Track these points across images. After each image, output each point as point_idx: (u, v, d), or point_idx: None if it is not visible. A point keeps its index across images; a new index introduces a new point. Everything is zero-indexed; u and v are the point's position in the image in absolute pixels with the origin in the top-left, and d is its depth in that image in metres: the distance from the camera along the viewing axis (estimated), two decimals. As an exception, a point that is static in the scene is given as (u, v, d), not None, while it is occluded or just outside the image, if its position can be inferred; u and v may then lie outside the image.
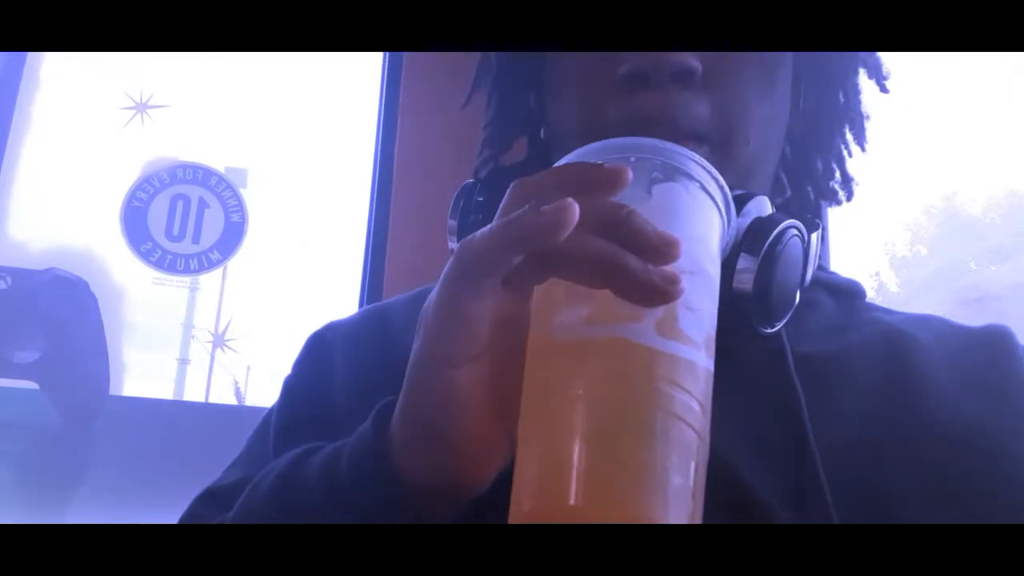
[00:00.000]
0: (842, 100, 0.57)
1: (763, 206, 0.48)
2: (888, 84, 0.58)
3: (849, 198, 0.59)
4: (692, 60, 0.47)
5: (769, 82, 0.51)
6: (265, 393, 1.60)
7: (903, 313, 0.56)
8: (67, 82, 1.67)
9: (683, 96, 0.48)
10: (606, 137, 0.45)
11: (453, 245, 0.55)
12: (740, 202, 0.46)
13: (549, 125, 0.57)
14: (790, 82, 0.54)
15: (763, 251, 0.46)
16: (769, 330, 0.48)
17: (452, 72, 1.56)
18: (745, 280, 0.45)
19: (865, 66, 0.57)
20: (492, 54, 0.59)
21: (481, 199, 0.54)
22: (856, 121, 0.58)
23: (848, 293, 0.56)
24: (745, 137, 0.50)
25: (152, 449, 1.50)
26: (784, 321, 0.48)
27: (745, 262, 0.45)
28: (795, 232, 0.48)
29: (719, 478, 0.41)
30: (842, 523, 0.41)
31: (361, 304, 1.50)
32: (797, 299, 0.50)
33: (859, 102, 0.58)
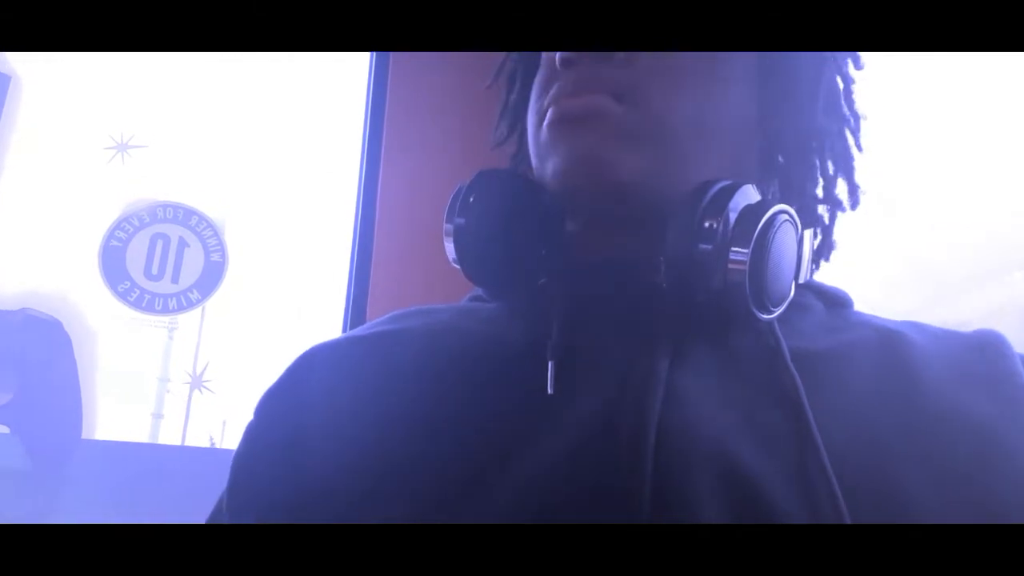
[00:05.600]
0: (821, 102, 0.58)
1: (750, 194, 0.49)
2: (864, 61, 0.58)
3: (854, 206, 0.60)
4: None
5: (706, 64, 0.53)
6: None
7: (892, 320, 0.56)
8: (46, 120, 1.66)
9: (602, 67, 0.52)
10: (542, 111, 0.53)
11: (450, 249, 0.56)
12: (728, 191, 0.48)
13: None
14: (748, 80, 0.56)
15: (755, 235, 0.47)
16: (766, 316, 0.49)
17: (436, 105, 1.57)
18: (739, 265, 0.46)
19: (835, 62, 0.58)
20: (506, 60, 0.63)
21: (472, 201, 0.55)
22: (850, 122, 0.59)
23: (837, 300, 0.57)
24: (673, 104, 0.52)
25: (125, 494, 1.46)
26: (782, 308, 0.49)
27: (739, 246, 0.47)
28: (786, 217, 0.49)
29: (720, 466, 0.42)
30: (848, 513, 0.41)
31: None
32: (793, 288, 0.51)
33: (843, 102, 0.59)
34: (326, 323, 1.55)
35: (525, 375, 0.49)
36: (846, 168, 0.59)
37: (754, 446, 0.44)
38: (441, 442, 0.48)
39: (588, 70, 0.52)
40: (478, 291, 0.61)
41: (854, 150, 0.59)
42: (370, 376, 0.54)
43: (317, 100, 1.65)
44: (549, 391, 0.47)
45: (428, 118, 1.53)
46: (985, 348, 0.52)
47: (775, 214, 0.48)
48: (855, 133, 0.59)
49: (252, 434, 0.56)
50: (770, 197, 0.58)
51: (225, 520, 0.54)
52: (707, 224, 0.47)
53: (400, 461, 0.47)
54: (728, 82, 0.55)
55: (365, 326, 0.59)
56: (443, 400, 0.50)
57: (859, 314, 0.57)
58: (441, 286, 1.54)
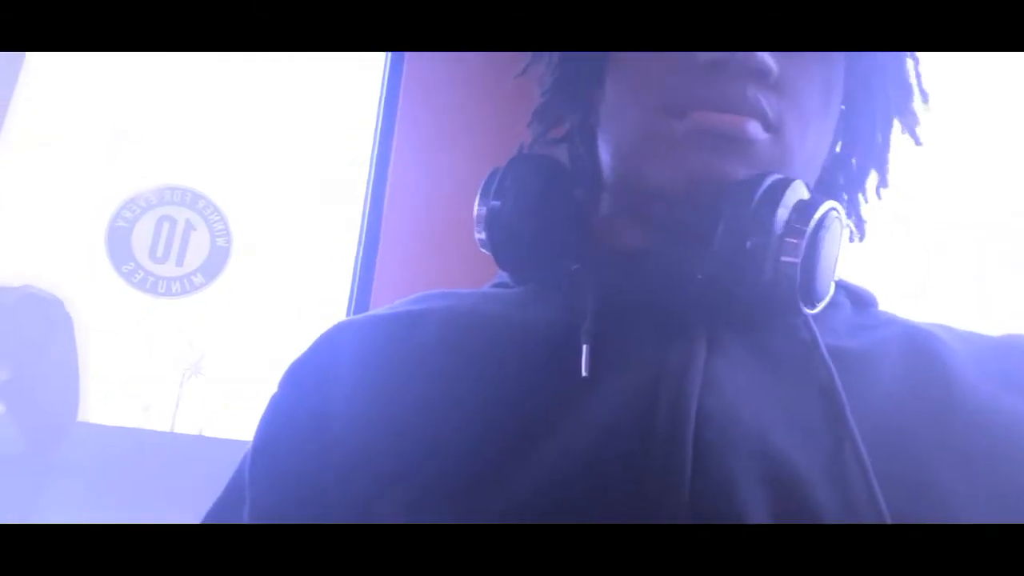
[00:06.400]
0: (879, 140, 0.58)
1: (801, 190, 0.50)
2: (921, 138, 0.58)
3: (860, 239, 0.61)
4: (770, 60, 0.49)
5: (826, 99, 0.53)
6: (239, 425, 1.54)
7: (919, 321, 0.56)
8: (57, 102, 1.64)
9: (755, 87, 0.50)
10: (675, 105, 0.50)
11: (480, 236, 0.55)
12: (781, 186, 0.49)
13: (607, 102, 0.56)
14: (839, 106, 0.56)
15: (808, 231, 0.48)
16: (811, 309, 0.49)
17: (448, 103, 1.55)
18: (792, 258, 0.47)
19: (900, 116, 0.58)
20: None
21: (508, 184, 0.55)
22: (882, 165, 0.58)
23: (864, 299, 0.57)
24: (802, 138, 0.52)
25: (117, 478, 1.43)
26: (824, 303, 0.50)
27: (792, 239, 0.47)
28: (836, 215, 0.50)
29: (758, 455, 0.43)
30: (885, 504, 0.42)
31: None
32: (833, 285, 0.51)
33: (888, 148, 0.59)
34: (328, 311, 1.52)
35: (553, 359, 0.49)
36: (880, 162, 0.58)
37: (791, 435, 0.45)
38: (467, 423, 0.48)
39: (739, 85, 0.50)
40: (501, 278, 0.60)
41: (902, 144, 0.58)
42: (394, 355, 0.53)
43: (331, 95, 1.63)
44: (584, 373, 0.47)
45: (440, 114, 1.52)
46: (1019, 351, 0.52)
47: (827, 211, 0.49)
48: (883, 176, 0.59)
49: (277, 405, 0.56)
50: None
51: (245, 484, 0.54)
52: (761, 217, 0.47)
53: (424, 441, 0.48)
54: (834, 113, 0.55)
55: (389, 306, 0.59)
56: (469, 381, 0.50)
57: (885, 313, 0.57)
58: (446, 281, 1.52)
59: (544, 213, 0.54)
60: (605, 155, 0.55)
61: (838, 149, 0.59)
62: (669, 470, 0.42)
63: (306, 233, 1.61)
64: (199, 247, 1.59)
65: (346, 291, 1.52)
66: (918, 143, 0.57)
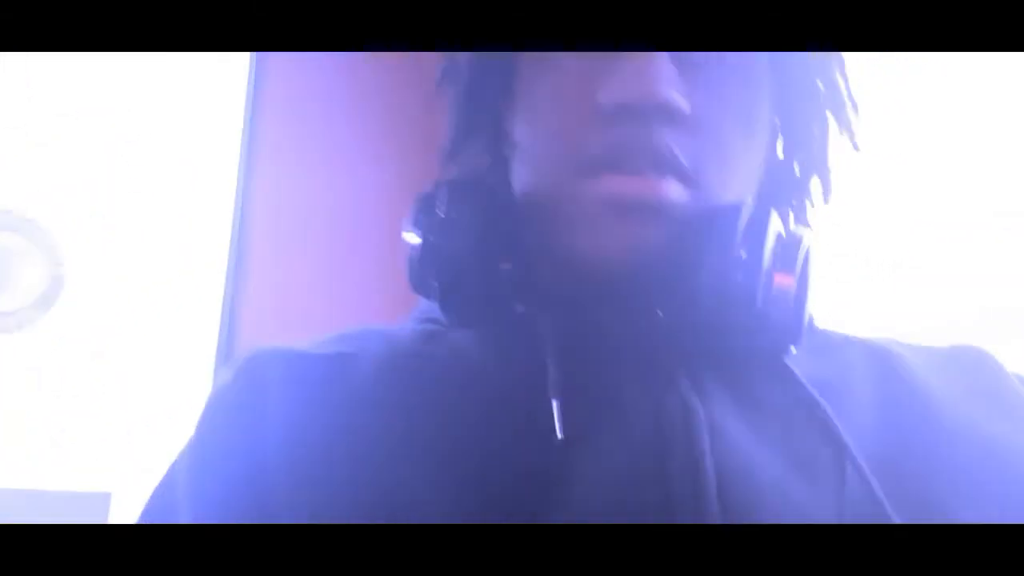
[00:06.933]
0: (816, 149, 0.57)
1: (776, 221, 0.48)
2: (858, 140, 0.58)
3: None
4: (679, 99, 0.46)
5: (748, 124, 0.50)
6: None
7: (866, 337, 0.57)
8: None
9: (666, 132, 0.46)
10: (584, 163, 0.46)
11: (414, 268, 0.50)
12: (759, 219, 0.47)
13: (516, 145, 0.52)
14: (767, 127, 0.53)
15: (799, 269, 0.46)
16: (795, 350, 0.48)
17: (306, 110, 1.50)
18: (783, 298, 0.45)
19: (834, 114, 0.57)
20: (461, 63, 0.55)
21: (442, 216, 0.49)
22: (824, 171, 0.58)
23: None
24: (725, 182, 0.49)
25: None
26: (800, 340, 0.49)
27: (782, 280, 0.45)
28: (809, 242, 0.49)
29: (778, 506, 0.41)
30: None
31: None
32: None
33: (826, 154, 0.58)
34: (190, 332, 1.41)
35: (521, 415, 0.44)
36: (822, 168, 0.58)
37: (802, 480, 0.43)
38: (440, 491, 0.42)
39: (648, 132, 0.45)
40: (426, 311, 0.54)
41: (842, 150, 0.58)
42: (336, 403, 0.47)
43: (185, 100, 1.50)
44: (559, 435, 0.42)
45: (302, 117, 1.46)
46: (980, 365, 0.53)
47: (808, 248, 0.48)
48: (827, 187, 0.59)
49: (205, 435, 0.50)
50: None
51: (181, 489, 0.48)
52: (744, 253, 0.45)
53: (394, 498, 0.43)
54: (764, 131, 0.53)
55: (313, 343, 0.52)
56: (425, 437, 0.44)
57: (833, 333, 0.57)
58: (322, 285, 1.46)
59: (485, 249, 0.49)
60: (522, 199, 0.51)
61: (780, 156, 0.57)
62: (701, 525, 0.39)
63: (157, 252, 1.47)
64: (30, 276, 1.41)
65: (215, 301, 1.42)
66: (856, 148, 0.57)
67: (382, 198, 1.49)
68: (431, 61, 0.59)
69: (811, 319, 0.56)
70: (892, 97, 1.17)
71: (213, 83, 1.50)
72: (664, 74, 0.45)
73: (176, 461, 0.51)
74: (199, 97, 1.51)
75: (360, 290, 1.48)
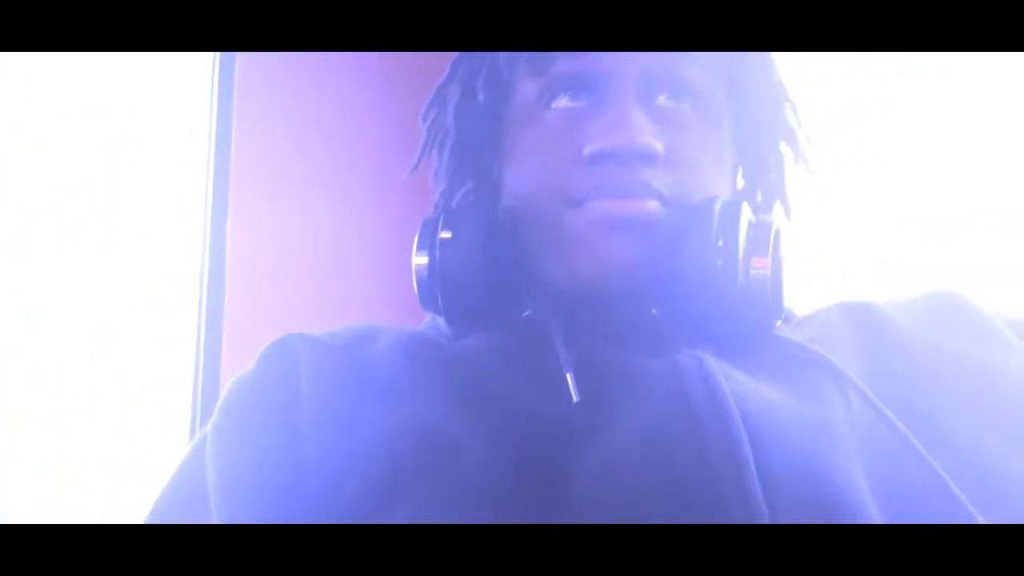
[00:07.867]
0: (773, 177, 0.62)
1: (747, 211, 0.53)
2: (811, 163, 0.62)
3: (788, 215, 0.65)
4: (655, 143, 0.51)
5: (718, 157, 0.56)
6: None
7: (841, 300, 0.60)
8: None
9: (645, 170, 0.51)
10: (571, 199, 0.52)
11: (424, 287, 0.55)
12: (731, 210, 0.51)
13: (505, 185, 0.58)
14: (731, 160, 0.59)
15: (771, 250, 0.50)
16: (780, 320, 0.52)
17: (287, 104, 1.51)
18: (761, 277, 0.50)
19: (786, 139, 0.62)
20: (449, 115, 0.61)
21: (448, 236, 0.55)
22: (783, 196, 0.63)
23: None
24: (698, 200, 0.54)
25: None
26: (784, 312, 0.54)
27: (758, 263, 0.50)
28: (778, 227, 0.53)
29: (772, 421, 0.44)
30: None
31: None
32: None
33: (783, 180, 0.63)
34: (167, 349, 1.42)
35: (539, 391, 0.48)
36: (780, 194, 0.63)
37: (812, 404, 0.46)
38: (473, 446, 0.45)
39: (628, 172, 0.51)
40: (432, 324, 0.60)
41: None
42: (366, 373, 0.51)
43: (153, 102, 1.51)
44: (575, 399, 0.46)
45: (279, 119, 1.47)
46: (956, 304, 0.57)
47: (777, 230, 0.52)
48: (787, 209, 0.63)
49: (229, 416, 0.52)
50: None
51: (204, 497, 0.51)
52: (721, 241, 0.50)
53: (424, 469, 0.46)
54: (728, 174, 0.58)
55: (326, 332, 0.56)
56: (451, 416, 0.48)
57: (813, 312, 0.60)
58: (298, 304, 1.46)
59: (491, 266, 0.54)
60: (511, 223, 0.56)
61: (740, 185, 0.63)
62: (738, 471, 0.41)
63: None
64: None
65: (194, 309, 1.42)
66: (810, 172, 0.61)
67: (372, 201, 1.50)
68: (411, 60, 0.63)
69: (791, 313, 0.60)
70: (877, 96, 1.18)
71: (203, 84, 1.51)
72: (638, 122, 0.50)
73: (196, 444, 0.53)
74: (199, 97, 1.52)
75: (360, 286, 1.49)
